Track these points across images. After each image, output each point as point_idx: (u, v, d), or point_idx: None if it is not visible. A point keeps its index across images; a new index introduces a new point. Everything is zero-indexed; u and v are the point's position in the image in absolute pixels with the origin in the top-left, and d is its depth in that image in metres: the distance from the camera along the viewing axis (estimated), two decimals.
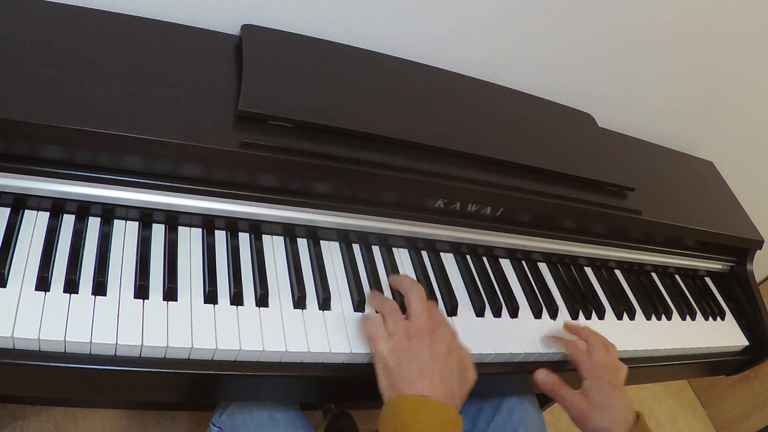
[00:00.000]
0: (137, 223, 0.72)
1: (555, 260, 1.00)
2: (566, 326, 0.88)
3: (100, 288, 0.64)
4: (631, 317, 1.00)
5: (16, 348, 0.58)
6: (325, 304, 0.74)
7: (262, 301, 0.71)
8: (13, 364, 0.58)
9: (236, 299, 0.69)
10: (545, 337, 0.85)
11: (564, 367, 0.84)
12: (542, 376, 0.79)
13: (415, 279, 0.84)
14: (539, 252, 0.97)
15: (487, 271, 0.91)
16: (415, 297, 0.69)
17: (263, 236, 0.78)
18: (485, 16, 1.00)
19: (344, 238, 0.83)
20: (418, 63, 0.97)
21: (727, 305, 1.17)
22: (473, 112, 0.94)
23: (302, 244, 0.80)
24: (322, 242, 0.81)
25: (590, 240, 1.01)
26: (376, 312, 0.73)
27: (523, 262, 0.96)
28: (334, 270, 0.79)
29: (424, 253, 0.88)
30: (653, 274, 1.13)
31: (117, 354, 0.61)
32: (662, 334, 1.01)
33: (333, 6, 0.92)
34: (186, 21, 0.84)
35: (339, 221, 0.80)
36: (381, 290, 0.79)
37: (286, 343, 0.68)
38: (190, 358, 0.64)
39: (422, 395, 0.62)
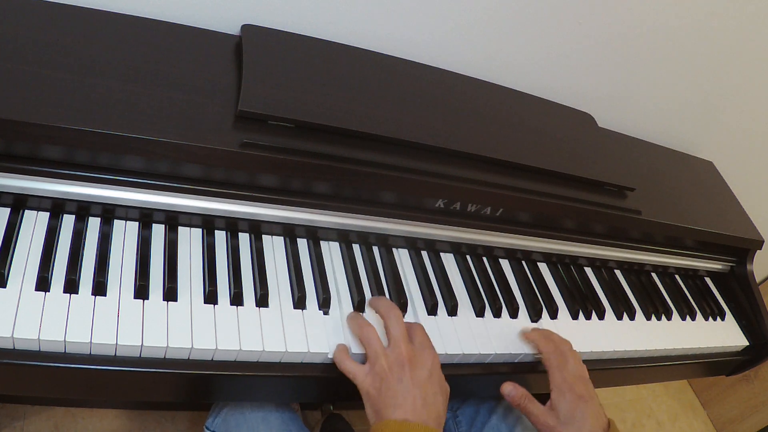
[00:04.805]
0: (137, 223, 0.72)
1: (555, 260, 1.00)
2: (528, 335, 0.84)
3: (100, 288, 0.64)
4: (631, 317, 1.00)
5: (16, 348, 0.58)
6: (325, 304, 0.74)
7: (262, 301, 0.71)
8: (13, 364, 0.58)
9: (236, 299, 0.69)
10: (521, 335, 0.83)
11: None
12: (509, 389, 0.76)
13: (415, 279, 0.84)
14: (539, 252, 0.97)
15: (487, 271, 0.91)
16: (394, 323, 0.68)
17: (263, 236, 0.78)
18: (485, 16, 1.00)
19: (344, 238, 0.83)
20: (418, 63, 0.97)
21: (727, 305, 1.17)
22: (473, 112, 0.94)
23: (302, 244, 0.80)
24: (322, 242, 0.81)
25: (590, 240, 1.00)
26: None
27: (523, 262, 0.96)
28: (333, 270, 0.79)
29: (424, 253, 0.88)
30: (653, 274, 1.13)
31: (117, 354, 0.61)
32: (662, 334, 1.01)
33: (333, 6, 0.92)
34: (186, 21, 0.84)
35: (339, 221, 0.80)
36: (381, 291, 0.79)
37: (286, 343, 0.68)
38: (190, 358, 0.64)
39: (405, 420, 0.62)
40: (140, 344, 0.61)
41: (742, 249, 1.17)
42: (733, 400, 1.87)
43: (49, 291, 0.62)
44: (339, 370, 0.68)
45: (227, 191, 0.73)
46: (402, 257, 0.86)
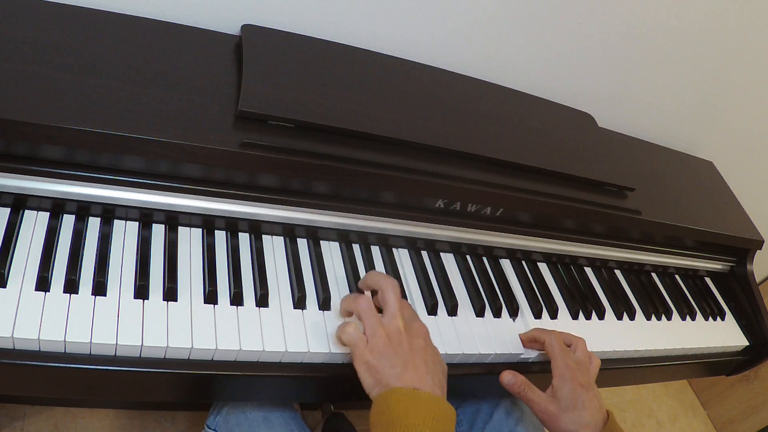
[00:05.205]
0: (137, 223, 0.72)
1: (555, 260, 1.00)
2: (534, 334, 0.83)
3: (100, 288, 0.64)
4: (631, 317, 1.00)
5: (16, 348, 0.58)
6: (325, 304, 0.74)
7: (262, 301, 0.71)
8: (13, 364, 0.58)
9: (236, 299, 0.69)
10: (521, 338, 0.83)
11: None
12: (508, 378, 0.75)
13: (415, 279, 0.84)
14: (539, 252, 0.97)
15: (487, 271, 0.91)
16: (391, 293, 0.68)
17: (263, 236, 0.78)
18: (485, 16, 1.00)
19: (344, 238, 0.83)
20: (418, 63, 0.97)
21: (727, 305, 1.17)
22: (473, 112, 0.94)
23: (302, 244, 0.80)
24: (322, 242, 0.81)
25: (590, 240, 1.00)
26: (349, 314, 0.71)
27: (523, 262, 0.96)
28: (334, 270, 0.79)
29: (424, 253, 0.88)
30: (653, 274, 1.13)
31: (117, 354, 0.61)
32: (662, 334, 1.01)
33: (333, 6, 0.92)
34: (186, 21, 0.84)
35: (339, 221, 0.80)
36: None
37: (286, 343, 0.68)
38: (190, 358, 0.64)
39: (413, 387, 0.61)
40: (140, 344, 0.61)
41: (742, 249, 1.17)
42: (733, 400, 1.87)
43: (49, 291, 0.62)
44: (339, 339, 0.68)
45: (227, 191, 0.73)
46: (402, 257, 0.86)
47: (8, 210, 0.66)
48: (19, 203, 0.67)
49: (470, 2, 0.97)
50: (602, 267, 1.05)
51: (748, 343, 1.12)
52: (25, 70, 0.66)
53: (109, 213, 0.70)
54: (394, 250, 0.86)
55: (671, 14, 1.08)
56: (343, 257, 0.81)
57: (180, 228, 0.74)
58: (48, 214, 0.68)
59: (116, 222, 0.71)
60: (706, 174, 1.30)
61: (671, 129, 1.33)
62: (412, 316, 0.70)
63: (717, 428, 1.93)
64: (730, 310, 1.16)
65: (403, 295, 0.80)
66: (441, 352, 0.75)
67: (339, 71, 0.86)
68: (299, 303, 0.73)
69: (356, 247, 0.83)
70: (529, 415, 0.90)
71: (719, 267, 1.19)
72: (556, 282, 0.97)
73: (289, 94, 0.78)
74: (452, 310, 0.82)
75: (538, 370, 0.84)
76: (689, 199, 1.15)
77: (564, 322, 0.91)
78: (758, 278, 1.60)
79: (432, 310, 0.81)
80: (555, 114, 1.07)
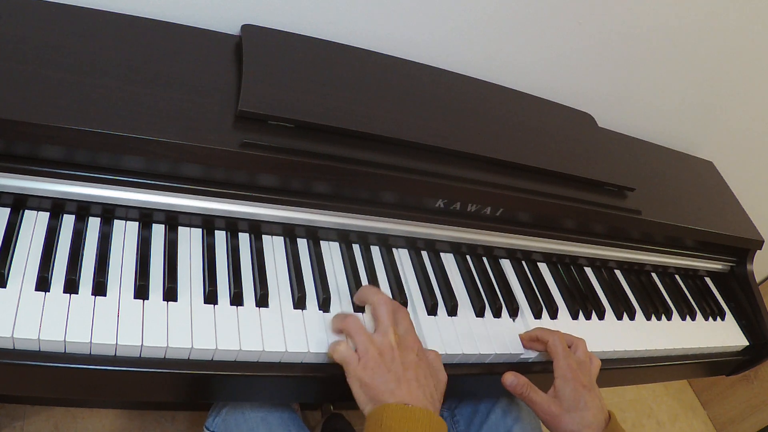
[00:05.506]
0: (137, 223, 0.72)
1: (555, 260, 1.00)
2: (536, 334, 0.83)
3: (100, 288, 0.64)
4: (631, 317, 1.00)
5: (16, 348, 0.58)
6: (325, 304, 0.74)
7: (262, 301, 0.71)
8: (13, 364, 0.58)
9: (236, 299, 0.69)
10: (521, 337, 0.83)
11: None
12: (511, 379, 0.76)
13: (415, 279, 0.84)
14: (539, 252, 0.97)
15: (487, 271, 0.91)
16: (382, 309, 0.68)
17: (263, 236, 0.78)
18: (485, 16, 1.00)
19: (344, 238, 0.83)
20: (418, 63, 0.97)
21: (727, 305, 1.17)
22: (473, 112, 0.94)
23: (302, 244, 0.80)
24: (322, 242, 0.81)
25: (590, 240, 1.00)
26: (341, 332, 0.71)
27: (523, 262, 0.96)
28: (334, 270, 0.79)
29: (424, 253, 0.88)
30: (653, 274, 1.13)
31: (117, 354, 0.61)
32: (662, 334, 1.01)
33: (333, 6, 0.92)
34: (186, 21, 0.84)
35: (339, 221, 0.80)
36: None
37: (286, 343, 0.68)
38: (190, 358, 0.64)
39: (404, 403, 0.62)
40: (140, 344, 0.61)
41: (742, 249, 1.17)
42: (733, 400, 1.87)
43: (49, 291, 0.62)
44: (331, 358, 0.68)
45: (227, 191, 0.73)
46: (402, 257, 0.86)
47: (8, 210, 0.66)
48: (19, 203, 0.67)
49: (470, 2, 0.97)
50: (602, 267, 1.05)
51: (748, 343, 1.12)
52: (25, 70, 0.66)
53: (109, 213, 0.70)
54: (394, 250, 0.86)
55: (671, 14, 1.08)
56: (343, 257, 0.81)
57: (180, 228, 0.74)
58: (48, 214, 0.68)
59: (116, 222, 0.71)
60: (706, 174, 1.30)
61: (671, 129, 1.33)
62: (407, 329, 0.69)
63: (717, 428, 1.93)
64: (730, 310, 1.16)
65: (404, 298, 0.80)
66: (441, 352, 0.75)
67: (339, 71, 0.86)
68: (299, 303, 0.73)
69: (356, 247, 0.83)
70: (526, 414, 0.90)
71: (719, 267, 1.19)
72: (556, 282, 0.97)
73: (289, 94, 0.78)
74: (452, 310, 0.82)
75: (538, 371, 0.84)
76: (689, 199, 1.15)
77: (564, 322, 0.91)
78: (758, 278, 1.60)
79: (432, 310, 0.81)
80: (555, 114, 1.07)
